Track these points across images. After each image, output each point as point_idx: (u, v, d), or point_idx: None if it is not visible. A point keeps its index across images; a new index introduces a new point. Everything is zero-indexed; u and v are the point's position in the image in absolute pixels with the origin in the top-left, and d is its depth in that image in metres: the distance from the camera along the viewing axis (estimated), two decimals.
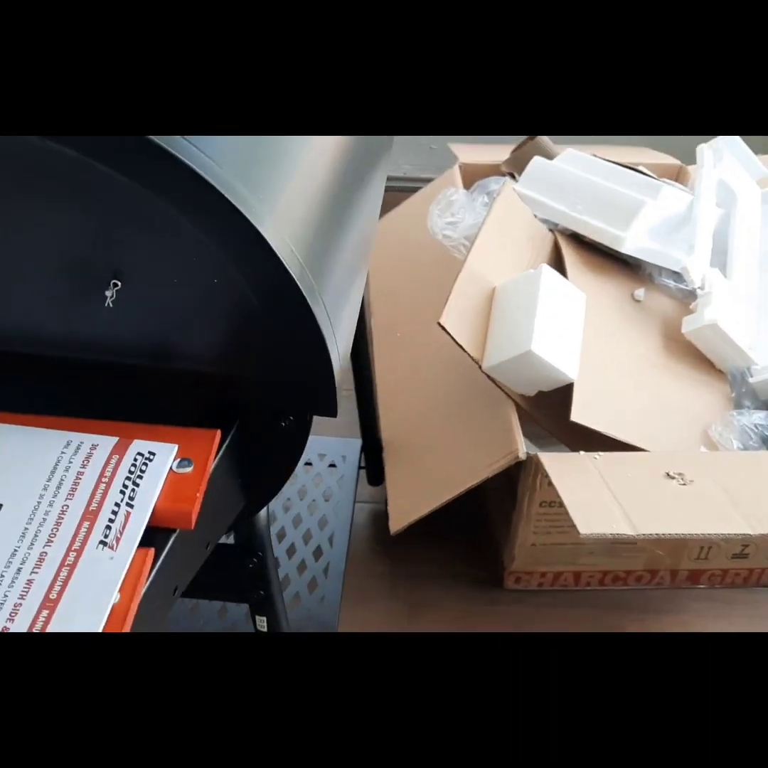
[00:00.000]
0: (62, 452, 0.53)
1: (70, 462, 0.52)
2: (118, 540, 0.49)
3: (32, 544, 0.49)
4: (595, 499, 1.15)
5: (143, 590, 0.48)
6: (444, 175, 1.90)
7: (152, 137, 0.45)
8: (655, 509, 1.14)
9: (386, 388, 1.63)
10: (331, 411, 0.57)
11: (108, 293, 0.51)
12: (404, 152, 2.22)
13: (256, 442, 0.59)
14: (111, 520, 0.49)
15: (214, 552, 0.71)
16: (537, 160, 1.58)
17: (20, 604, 0.46)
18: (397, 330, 1.62)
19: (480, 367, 1.29)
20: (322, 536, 1.32)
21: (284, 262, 0.50)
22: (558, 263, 1.51)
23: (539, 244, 1.52)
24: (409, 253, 1.76)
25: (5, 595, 0.46)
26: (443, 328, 1.27)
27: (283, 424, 0.59)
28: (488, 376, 1.29)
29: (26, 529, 0.49)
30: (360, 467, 1.47)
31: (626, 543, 1.21)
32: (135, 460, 0.52)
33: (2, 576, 0.47)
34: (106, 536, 0.49)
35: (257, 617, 0.79)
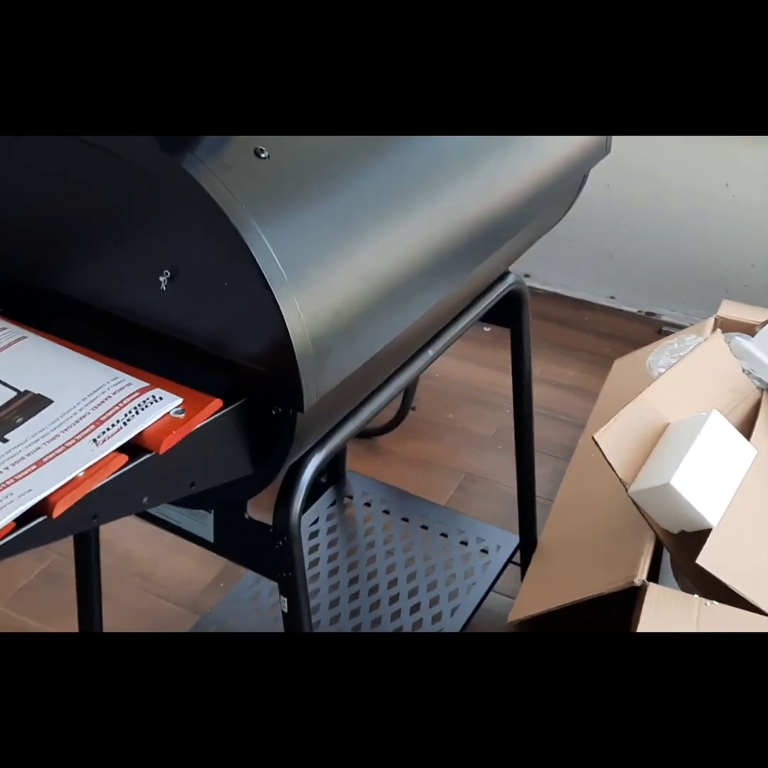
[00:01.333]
0: (108, 381, 0.74)
1: (109, 388, 0.73)
2: (104, 441, 0.69)
3: (54, 428, 0.70)
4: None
5: (107, 479, 0.67)
6: (697, 324, 1.98)
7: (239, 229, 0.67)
8: None
9: (564, 496, 1.73)
10: (297, 406, 0.73)
11: (162, 279, 0.73)
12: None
13: (252, 422, 0.77)
14: (108, 429, 0.70)
15: (254, 527, 0.90)
16: None
17: (23, 459, 0.67)
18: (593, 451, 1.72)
19: (626, 489, 1.37)
20: (448, 606, 1.44)
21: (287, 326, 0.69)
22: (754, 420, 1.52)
23: (739, 397, 1.55)
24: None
25: (24, 456, 0.68)
26: (596, 444, 1.37)
27: (273, 412, 0.76)
28: (633, 502, 1.36)
29: (58, 419, 0.71)
30: (511, 561, 1.57)
31: None
32: (147, 399, 0.72)
33: (31, 443, 0.69)
34: (98, 437, 0.69)
35: (281, 597, 0.95)
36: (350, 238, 0.78)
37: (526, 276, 2.62)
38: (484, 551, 1.55)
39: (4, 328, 0.80)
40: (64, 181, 0.76)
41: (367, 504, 1.66)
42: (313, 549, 1.55)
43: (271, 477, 0.83)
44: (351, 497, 1.67)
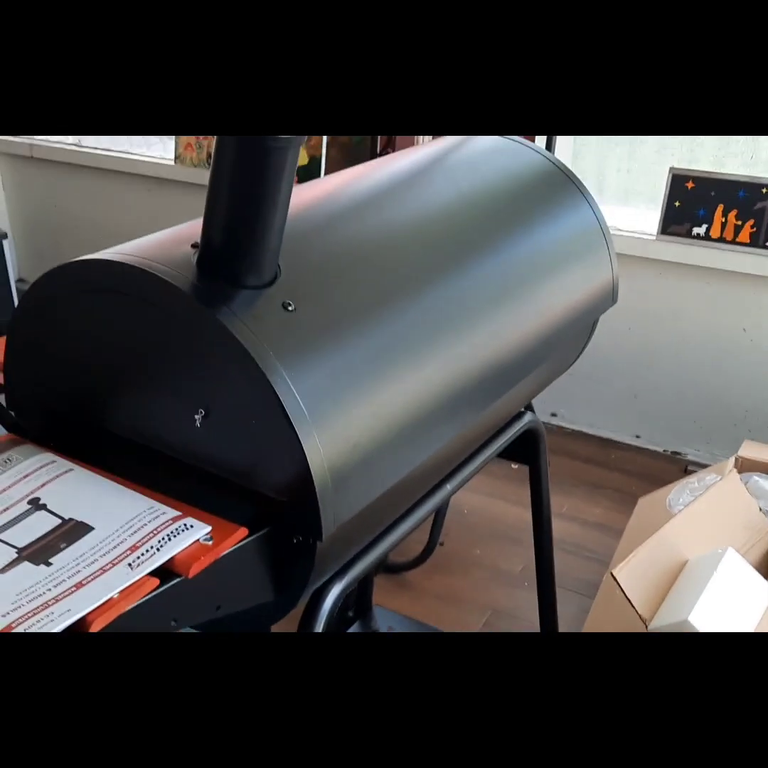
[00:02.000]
0: (144, 510, 0.81)
1: (145, 516, 0.80)
2: (139, 565, 0.75)
3: (94, 553, 0.77)
4: None
5: (139, 601, 0.73)
6: (718, 464, 2.02)
7: (266, 373, 0.76)
8: None
9: (590, 630, 1.74)
10: (317, 535, 0.79)
11: (197, 417, 0.81)
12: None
13: (275, 550, 0.83)
14: (143, 554, 0.76)
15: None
16: None
17: (64, 582, 0.73)
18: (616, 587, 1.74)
19: (646, 626, 1.39)
20: None
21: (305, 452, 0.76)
22: None
23: (757, 535, 1.58)
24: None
25: (65, 578, 0.74)
26: (615, 580, 1.41)
27: (295, 541, 0.82)
28: None
29: (97, 545, 0.78)
30: None
31: None
32: (179, 527, 0.79)
33: (72, 567, 0.76)
34: (133, 562, 0.75)
35: None
36: (367, 381, 0.85)
37: (553, 415, 2.69)
38: None
39: (54, 462, 0.88)
40: (112, 330, 0.86)
41: None
42: None
43: (293, 603, 0.88)
44: (377, 631, 1.70)
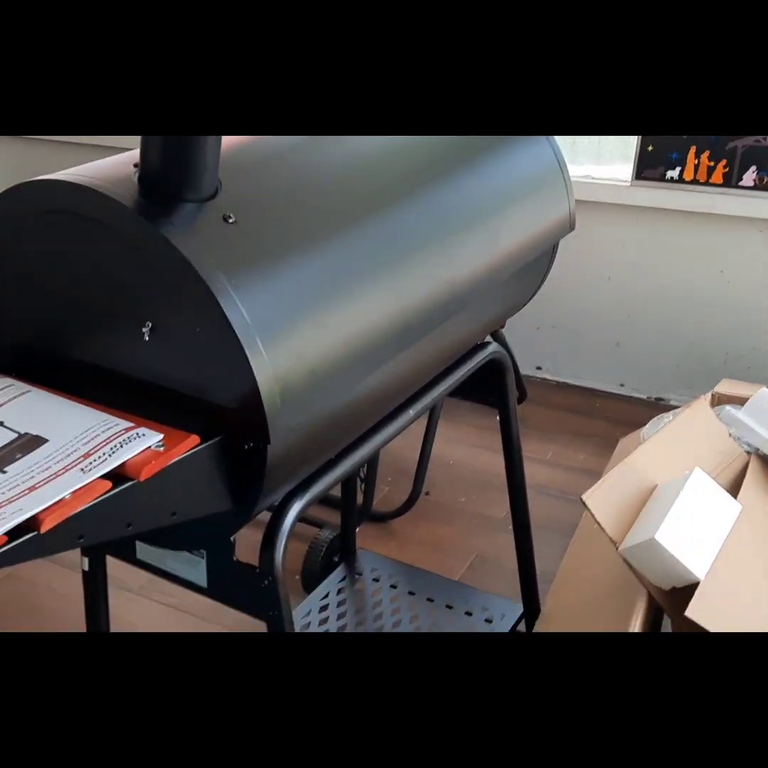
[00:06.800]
0: (98, 422, 0.84)
1: (98, 427, 0.83)
2: (91, 469, 0.78)
3: (48, 461, 0.79)
4: None
5: (91, 502, 0.76)
6: (695, 400, 2.04)
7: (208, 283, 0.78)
8: None
9: (567, 566, 1.77)
10: (265, 439, 0.82)
11: (144, 330, 0.83)
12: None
13: (227, 458, 0.86)
14: (95, 460, 0.79)
15: (242, 569, 0.97)
16: (763, 392, 1.70)
17: (18, 486, 0.76)
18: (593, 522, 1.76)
19: (617, 548, 1.42)
20: None
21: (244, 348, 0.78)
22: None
23: (726, 460, 1.60)
24: None
25: (19, 483, 0.77)
26: (585, 505, 1.43)
27: (245, 447, 0.85)
28: (625, 561, 1.41)
29: (52, 454, 0.80)
30: (515, 631, 1.61)
31: None
32: (131, 435, 0.82)
33: (26, 473, 0.78)
34: (85, 467, 0.78)
35: None
36: (311, 293, 0.88)
37: (538, 368, 2.71)
38: (489, 620, 1.59)
39: (12, 385, 0.91)
40: (59, 255, 0.88)
41: (376, 579, 1.71)
42: (323, 622, 1.60)
43: (249, 512, 0.90)
44: (360, 574, 1.73)
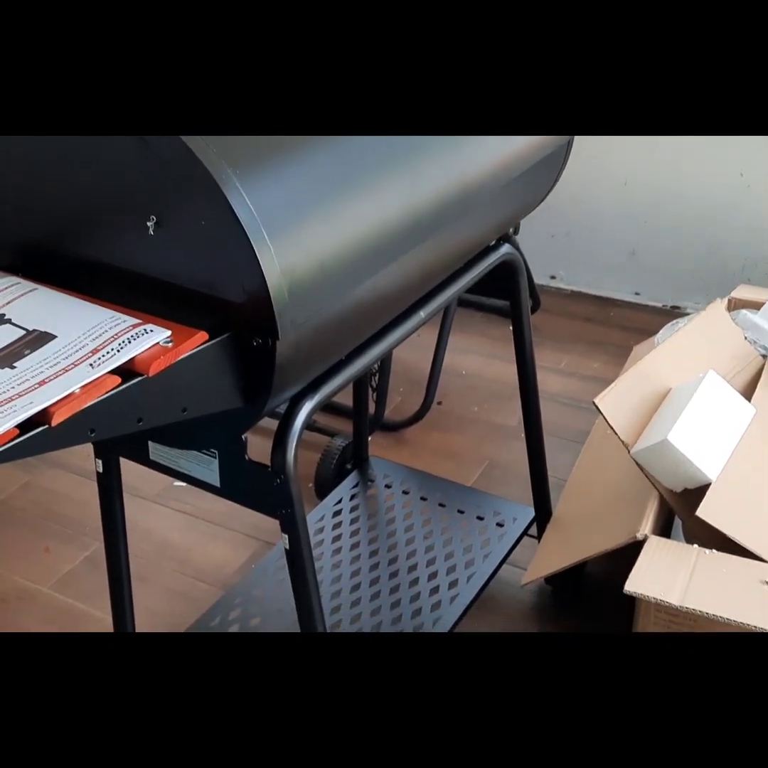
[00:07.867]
0: (106, 319, 0.83)
1: (106, 324, 0.82)
2: (100, 364, 0.77)
3: (57, 357, 0.79)
4: (668, 576, 1.21)
5: (101, 397, 0.76)
6: (711, 305, 2.02)
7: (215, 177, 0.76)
8: (718, 596, 1.16)
9: (579, 472, 1.78)
10: (273, 334, 0.81)
11: (149, 224, 0.82)
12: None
13: (237, 354, 0.85)
14: (103, 355, 0.78)
15: (255, 468, 0.97)
16: None
17: (27, 381, 0.76)
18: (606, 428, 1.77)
19: (629, 451, 1.41)
20: (464, 573, 1.50)
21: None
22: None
23: (742, 363, 1.59)
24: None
25: (28, 378, 0.77)
26: (597, 408, 1.43)
27: (254, 343, 0.84)
28: (637, 463, 1.41)
29: (60, 350, 0.80)
30: (527, 534, 1.62)
31: None
32: (140, 331, 0.81)
33: (35, 368, 0.78)
34: (94, 362, 0.78)
35: (282, 535, 1.02)
36: (320, 189, 0.86)
37: (552, 277, 2.68)
38: (500, 524, 1.60)
39: (19, 283, 0.90)
40: (63, 150, 0.86)
41: (388, 486, 1.72)
42: (337, 526, 1.62)
43: (260, 409, 0.90)
44: (373, 481, 1.74)
